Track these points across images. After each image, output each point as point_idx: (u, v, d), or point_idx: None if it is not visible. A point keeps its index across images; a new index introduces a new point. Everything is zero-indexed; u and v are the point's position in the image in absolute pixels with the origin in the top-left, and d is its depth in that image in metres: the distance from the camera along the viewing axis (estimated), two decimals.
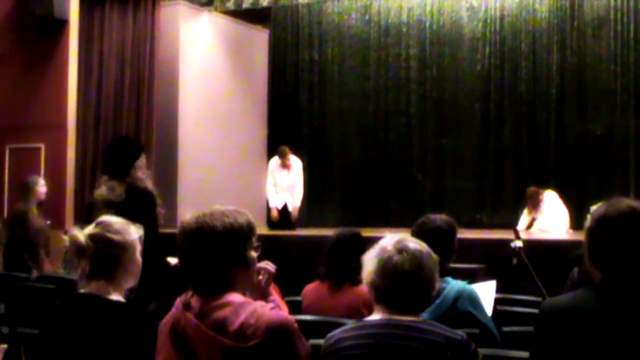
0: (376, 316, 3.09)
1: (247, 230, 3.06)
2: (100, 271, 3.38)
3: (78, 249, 3.39)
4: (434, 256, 3.16)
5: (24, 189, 9.05)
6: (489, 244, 9.33)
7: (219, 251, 2.98)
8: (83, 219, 5.95)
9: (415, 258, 3.07)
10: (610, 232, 2.76)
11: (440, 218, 4.61)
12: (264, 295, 3.36)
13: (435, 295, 4.17)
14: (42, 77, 11.10)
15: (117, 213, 4.09)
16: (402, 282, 3.04)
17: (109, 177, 5.78)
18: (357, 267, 4.81)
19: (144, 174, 5.83)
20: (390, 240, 3.15)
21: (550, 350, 2.74)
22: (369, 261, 3.14)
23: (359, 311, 4.62)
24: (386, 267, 3.06)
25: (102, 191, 5.62)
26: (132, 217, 3.95)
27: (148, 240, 3.69)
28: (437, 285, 3.17)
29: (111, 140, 6.17)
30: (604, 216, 2.82)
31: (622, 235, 2.74)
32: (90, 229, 3.43)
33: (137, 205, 5.44)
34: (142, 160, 5.92)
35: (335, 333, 3.13)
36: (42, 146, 10.93)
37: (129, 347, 3.20)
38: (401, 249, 3.08)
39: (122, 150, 6.05)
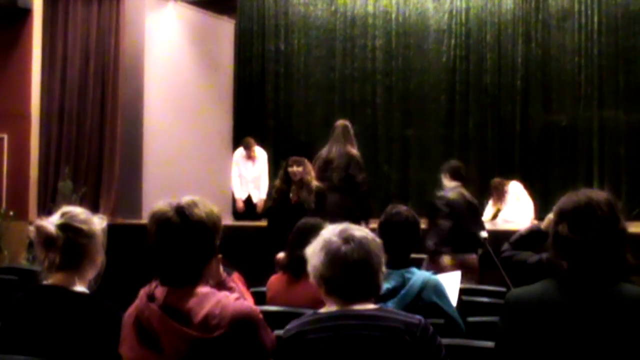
0: (331, 308, 3.07)
1: (219, 220, 3.06)
2: (68, 262, 3.34)
3: (47, 239, 3.33)
4: (378, 240, 3.15)
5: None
6: None
7: (201, 241, 2.98)
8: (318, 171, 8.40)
9: (363, 246, 3.05)
10: (567, 224, 2.78)
11: (406, 209, 4.63)
12: (221, 282, 3.33)
13: (400, 286, 4.20)
14: (4, 67, 10.98)
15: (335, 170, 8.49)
16: (353, 272, 3.02)
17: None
18: None
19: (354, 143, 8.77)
20: (333, 231, 3.12)
21: (515, 341, 2.76)
22: (315, 255, 3.10)
23: (322, 301, 4.61)
24: (335, 259, 3.03)
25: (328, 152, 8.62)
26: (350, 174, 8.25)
27: None
28: (384, 269, 3.15)
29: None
30: (562, 208, 2.84)
31: (576, 227, 2.76)
32: (56, 219, 3.38)
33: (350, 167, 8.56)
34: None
35: (293, 326, 3.08)
36: (5, 136, 10.81)
37: (93, 338, 3.17)
38: (347, 239, 3.05)
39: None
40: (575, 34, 12.55)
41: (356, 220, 8.10)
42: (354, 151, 8.78)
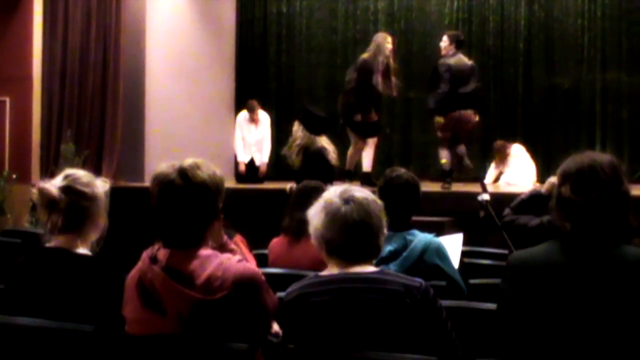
0: (332, 270, 3.07)
1: (222, 183, 3.06)
2: (71, 224, 3.35)
3: (50, 201, 3.34)
4: (379, 202, 3.15)
5: None
6: (457, 197, 9.38)
7: (203, 203, 2.97)
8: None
9: (363, 206, 3.04)
10: (570, 185, 2.78)
11: (406, 172, 4.62)
12: (223, 245, 3.33)
13: (402, 248, 4.21)
14: (6, 30, 10.94)
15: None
16: (353, 232, 3.02)
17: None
18: None
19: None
20: (334, 192, 3.11)
21: (517, 303, 2.76)
22: (316, 216, 3.10)
23: (323, 263, 4.63)
24: (335, 219, 3.03)
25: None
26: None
27: None
28: (385, 231, 3.15)
29: None
30: (565, 169, 2.84)
31: (579, 188, 2.76)
32: (59, 181, 3.38)
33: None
34: None
35: (295, 289, 3.09)
36: (7, 99, 10.81)
37: (96, 300, 3.18)
38: (347, 199, 3.05)
39: None
40: None
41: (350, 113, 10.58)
42: (364, 55, 10.62)
